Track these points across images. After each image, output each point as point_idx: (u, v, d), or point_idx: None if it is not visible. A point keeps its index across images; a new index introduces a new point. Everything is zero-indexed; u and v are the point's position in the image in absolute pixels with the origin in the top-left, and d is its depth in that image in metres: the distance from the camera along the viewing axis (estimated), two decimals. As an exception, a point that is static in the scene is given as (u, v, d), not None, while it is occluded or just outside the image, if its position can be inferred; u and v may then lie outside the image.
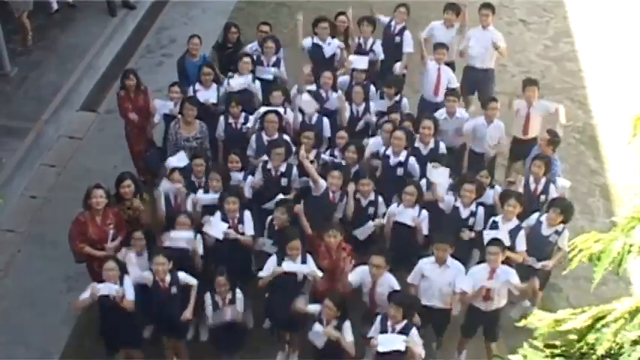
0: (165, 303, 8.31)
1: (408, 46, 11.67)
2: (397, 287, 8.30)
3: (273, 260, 8.40)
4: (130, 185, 9.14)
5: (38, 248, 10.36)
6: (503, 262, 8.41)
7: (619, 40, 14.93)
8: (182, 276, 8.34)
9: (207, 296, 8.38)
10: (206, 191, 9.29)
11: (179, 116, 10.24)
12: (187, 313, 8.38)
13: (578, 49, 14.80)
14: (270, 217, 8.97)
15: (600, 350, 4.39)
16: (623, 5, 15.83)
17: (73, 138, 12.28)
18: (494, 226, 8.84)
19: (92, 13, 14.49)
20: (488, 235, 8.67)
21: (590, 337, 4.48)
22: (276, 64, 11.21)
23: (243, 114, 10.32)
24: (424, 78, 11.33)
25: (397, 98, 10.81)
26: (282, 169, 9.48)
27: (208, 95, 10.60)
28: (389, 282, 8.33)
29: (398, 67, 11.43)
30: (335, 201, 9.26)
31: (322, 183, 9.20)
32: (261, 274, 8.45)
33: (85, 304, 8.11)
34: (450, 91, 10.80)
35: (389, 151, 9.66)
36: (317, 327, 8.00)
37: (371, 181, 9.19)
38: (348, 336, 7.96)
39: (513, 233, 8.79)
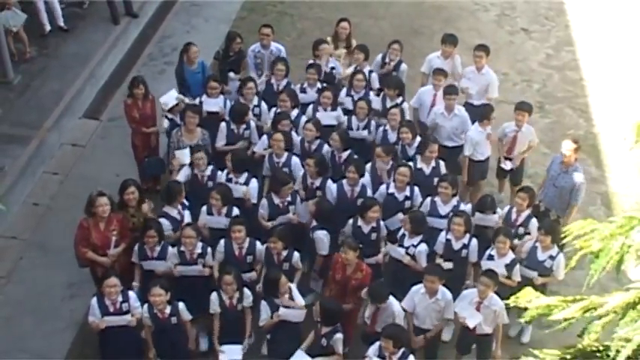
0: (166, 332, 8.32)
1: (402, 78, 11.63)
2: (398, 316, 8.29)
3: (265, 307, 8.38)
4: (135, 192, 9.17)
5: (41, 255, 10.36)
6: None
7: (620, 48, 14.97)
8: (182, 307, 8.33)
9: (214, 295, 8.39)
10: (209, 212, 9.26)
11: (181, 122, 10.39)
12: (191, 346, 8.47)
13: (579, 58, 14.83)
14: (264, 247, 8.97)
15: (588, 340, 4.42)
16: (625, 14, 15.88)
17: (75, 146, 12.29)
18: (491, 258, 8.88)
19: (95, 21, 14.56)
20: (485, 266, 8.76)
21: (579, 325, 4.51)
22: (286, 87, 11.13)
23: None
24: (420, 101, 11.21)
25: (399, 100, 10.87)
26: (289, 198, 9.48)
27: (216, 103, 10.67)
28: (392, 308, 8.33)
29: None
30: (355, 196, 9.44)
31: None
32: (260, 322, 8.46)
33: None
34: (449, 88, 10.75)
35: (392, 189, 9.58)
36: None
37: (379, 209, 9.16)
38: (338, 347, 8.04)
39: (509, 268, 8.82)
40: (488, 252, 8.93)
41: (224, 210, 9.19)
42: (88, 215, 8.86)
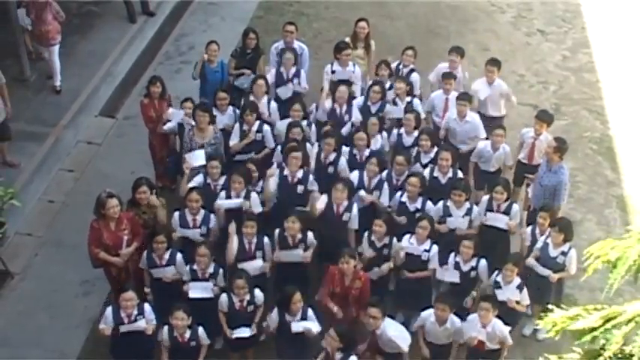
0: (180, 352, 8.31)
1: (415, 89, 11.56)
2: (393, 337, 8.18)
3: (273, 318, 8.39)
4: (146, 191, 9.19)
5: (56, 252, 10.42)
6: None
7: (637, 51, 14.89)
8: (201, 332, 8.32)
9: (224, 296, 8.39)
10: (228, 195, 9.33)
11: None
12: None
13: (596, 60, 14.76)
14: (277, 231, 8.97)
15: (609, 352, 4.42)
16: (642, 16, 15.82)
17: (91, 143, 12.34)
18: (498, 286, 8.74)
19: (112, 19, 14.63)
20: (498, 295, 8.63)
21: (600, 337, 4.51)
22: (296, 76, 11.22)
23: (258, 122, 10.35)
24: (432, 105, 11.20)
25: (409, 99, 10.88)
26: (299, 175, 9.54)
27: (226, 120, 10.59)
28: (386, 332, 8.22)
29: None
30: (341, 212, 9.26)
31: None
32: (264, 324, 8.51)
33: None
34: (461, 95, 10.77)
35: (404, 198, 9.52)
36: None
37: (384, 224, 8.99)
38: None
39: (518, 290, 8.74)
40: (493, 278, 8.83)
41: (242, 193, 9.28)
42: (98, 216, 8.88)
